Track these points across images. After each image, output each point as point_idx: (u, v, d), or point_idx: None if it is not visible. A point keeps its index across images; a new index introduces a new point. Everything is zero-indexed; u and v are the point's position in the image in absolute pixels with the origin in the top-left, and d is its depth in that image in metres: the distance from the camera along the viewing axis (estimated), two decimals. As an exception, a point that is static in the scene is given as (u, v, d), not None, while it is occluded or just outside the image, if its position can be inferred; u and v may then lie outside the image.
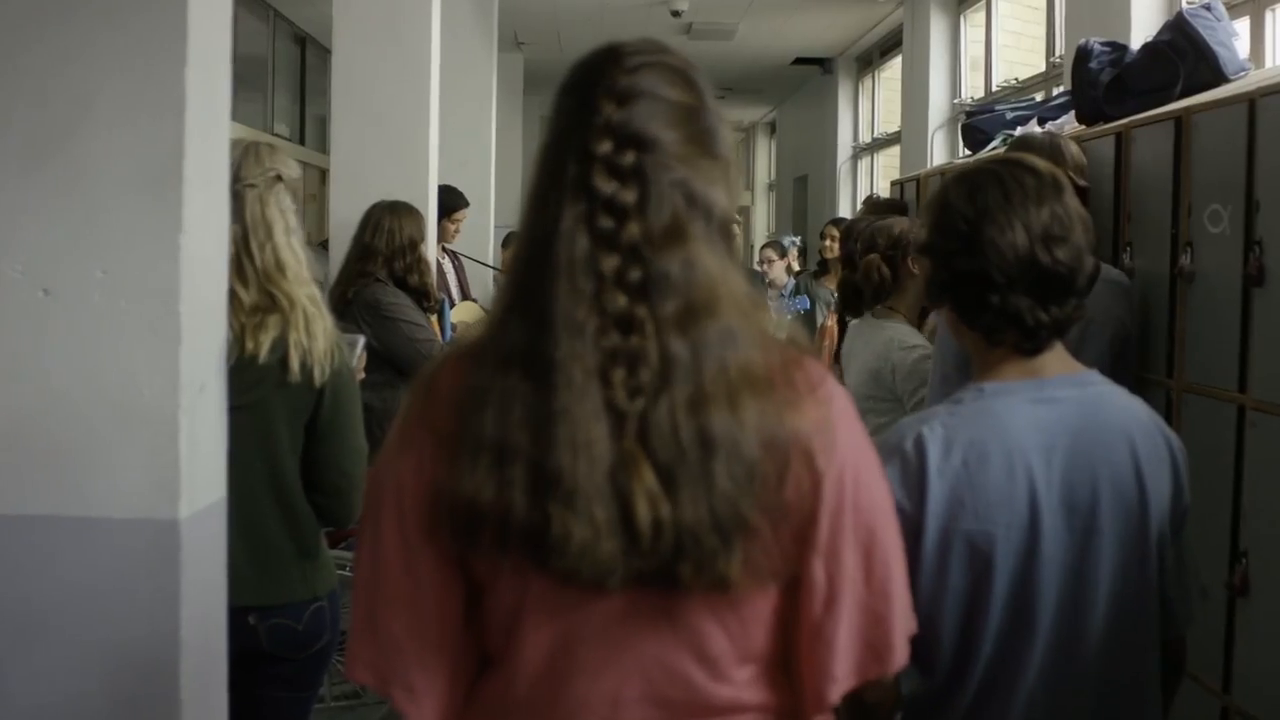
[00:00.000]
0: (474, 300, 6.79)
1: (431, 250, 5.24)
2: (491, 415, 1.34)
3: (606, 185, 1.34)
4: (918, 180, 5.85)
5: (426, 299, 4.68)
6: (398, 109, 5.48)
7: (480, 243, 7.97)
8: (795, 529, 1.38)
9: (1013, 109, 5.17)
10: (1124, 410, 1.93)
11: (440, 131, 5.73)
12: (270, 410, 2.60)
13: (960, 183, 1.94)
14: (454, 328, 5.46)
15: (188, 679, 2.12)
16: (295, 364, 2.57)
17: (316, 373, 2.59)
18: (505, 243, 7.72)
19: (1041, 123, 4.64)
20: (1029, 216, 1.86)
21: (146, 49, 2.08)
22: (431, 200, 5.60)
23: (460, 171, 7.28)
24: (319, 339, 2.60)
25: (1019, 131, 4.42)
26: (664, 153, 1.36)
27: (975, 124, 5.21)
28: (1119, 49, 3.98)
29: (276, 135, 10.12)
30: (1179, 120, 3.20)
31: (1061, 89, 5.67)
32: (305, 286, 2.64)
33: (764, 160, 18.69)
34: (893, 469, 1.79)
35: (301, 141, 11.18)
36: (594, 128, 1.36)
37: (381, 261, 4.60)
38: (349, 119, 5.52)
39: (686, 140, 1.38)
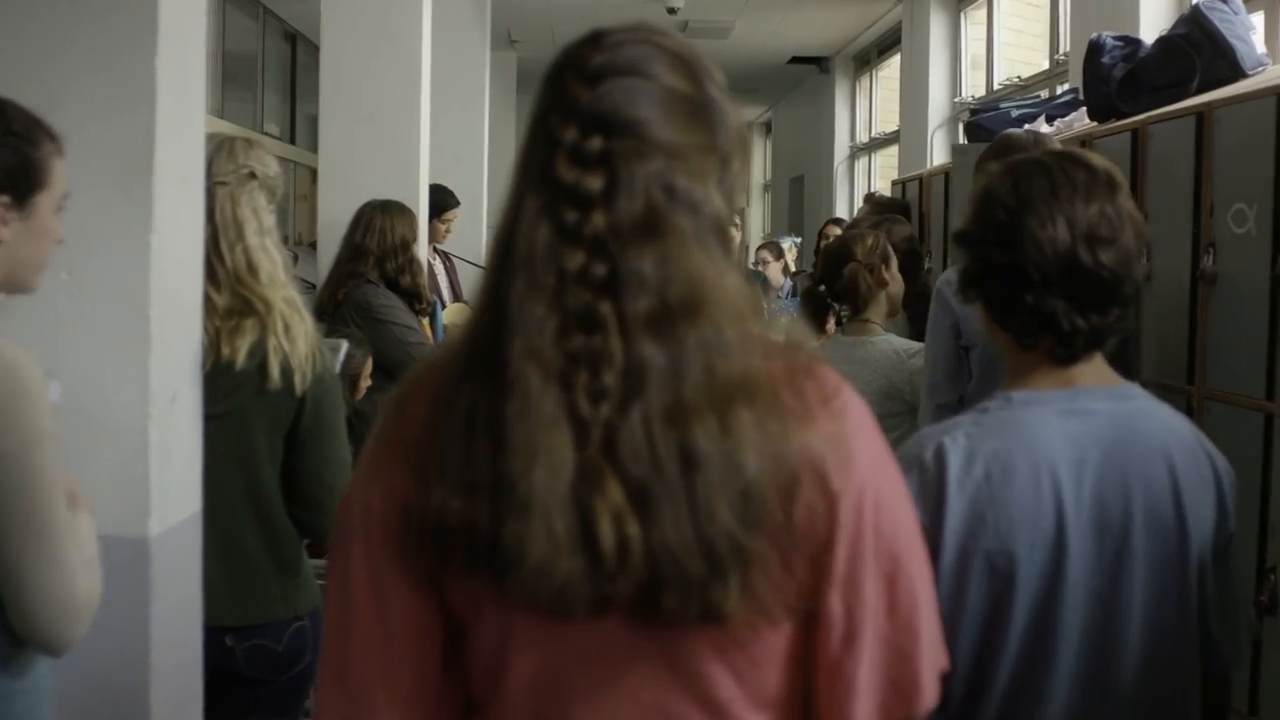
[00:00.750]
0: (466, 302, 6.70)
1: (423, 251, 5.16)
2: (457, 421, 1.23)
3: (569, 173, 1.22)
4: (920, 179, 5.82)
5: (418, 300, 4.62)
6: (388, 107, 5.43)
7: (472, 243, 7.91)
8: (809, 557, 1.25)
9: (1018, 107, 5.12)
10: (1164, 427, 1.81)
11: (432, 130, 5.69)
12: (248, 419, 2.49)
13: (1006, 172, 1.82)
14: (445, 330, 5.37)
15: (159, 705, 2.07)
16: (275, 370, 2.46)
17: (297, 379, 2.48)
18: (497, 243, 7.63)
19: (1049, 120, 4.59)
20: (1074, 212, 1.73)
21: (117, 40, 2.02)
22: (422, 200, 5.55)
23: (453, 170, 7.23)
24: (299, 343, 2.49)
25: (1026, 129, 4.33)
26: (641, 139, 1.23)
27: (979, 122, 5.15)
28: (1132, 43, 3.94)
29: (266, 134, 10.05)
30: (1200, 115, 3.14)
31: (1066, 87, 5.62)
32: (281, 289, 2.52)
33: (759, 160, 18.63)
34: (910, 481, 1.65)
35: (292, 140, 11.09)
36: (558, 111, 1.24)
37: (373, 262, 4.52)
38: (338, 117, 5.46)
39: (673, 127, 1.25)
